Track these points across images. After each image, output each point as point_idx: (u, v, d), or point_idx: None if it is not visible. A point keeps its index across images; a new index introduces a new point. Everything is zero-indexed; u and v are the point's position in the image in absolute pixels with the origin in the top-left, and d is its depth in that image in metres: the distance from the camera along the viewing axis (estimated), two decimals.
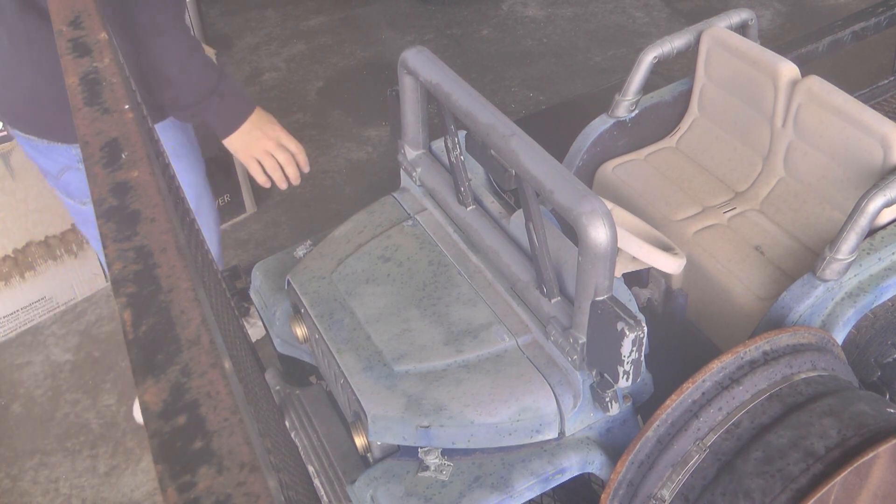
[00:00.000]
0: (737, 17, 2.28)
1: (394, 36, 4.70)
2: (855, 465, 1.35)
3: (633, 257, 1.71)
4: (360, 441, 1.57)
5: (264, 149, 2.00)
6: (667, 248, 1.76)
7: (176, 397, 0.66)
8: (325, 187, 3.69)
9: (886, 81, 3.06)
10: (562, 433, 1.53)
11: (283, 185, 2.04)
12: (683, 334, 2.09)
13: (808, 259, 1.98)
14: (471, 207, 1.75)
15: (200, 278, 1.04)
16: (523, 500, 1.48)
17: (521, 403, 1.50)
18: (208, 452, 0.62)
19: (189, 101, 1.90)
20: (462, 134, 1.64)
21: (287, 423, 1.85)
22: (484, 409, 1.49)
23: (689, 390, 1.50)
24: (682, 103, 2.39)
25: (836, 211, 2.01)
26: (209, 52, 3.14)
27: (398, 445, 1.55)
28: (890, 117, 1.91)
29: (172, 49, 1.85)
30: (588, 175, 2.36)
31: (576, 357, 1.45)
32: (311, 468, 1.73)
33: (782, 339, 1.58)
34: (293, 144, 2.04)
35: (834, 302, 1.75)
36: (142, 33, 1.82)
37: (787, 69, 2.06)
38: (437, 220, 1.83)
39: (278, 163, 2.02)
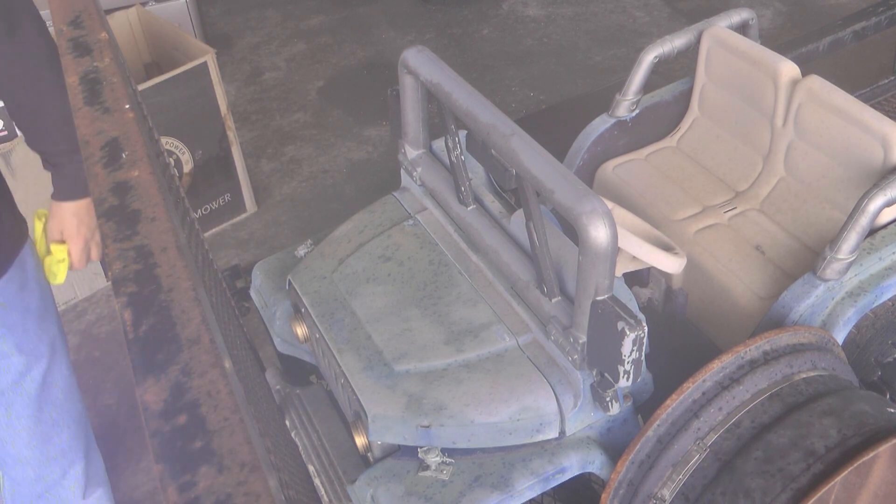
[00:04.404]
0: (737, 16, 2.27)
1: (394, 35, 4.70)
2: (855, 464, 1.35)
3: (634, 257, 1.71)
4: (360, 440, 1.57)
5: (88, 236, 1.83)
6: (667, 248, 1.76)
7: (176, 397, 0.66)
8: (326, 187, 3.69)
9: (887, 81, 3.05)
10: (562, 433, 1.53)
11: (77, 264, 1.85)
12: (684, 334, 2.09)
13: (808, 259, 1.98)
14: (471, 207, 1.75)
15: (201, 278, 1.04)
16: (524, 500, 1.48)
17: (521, 403, 1.49)
18: (209, 452, 0.62)
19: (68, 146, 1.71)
20: (462, 133, 1.64)
21: (287, 423, 1.85)
22: (484, 409, 1.49)
23: (690, 390, 1.50)
24: (682, 103, 2.39)
25: (837, 210, 2.01)
26: (208, 51, 3.14)
27: (398, 445, 1.55)
28: (890, 117, 1.91)
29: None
30: (588, 175, 2.35)
31: (576, 356, 1.45)
32: (311, 468, 1.73)
33: (783, 338, 1.58)
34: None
35: (834, 301, 1.75)
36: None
37: (788, 69, 2.06)
38: (437, 219, 1.83)
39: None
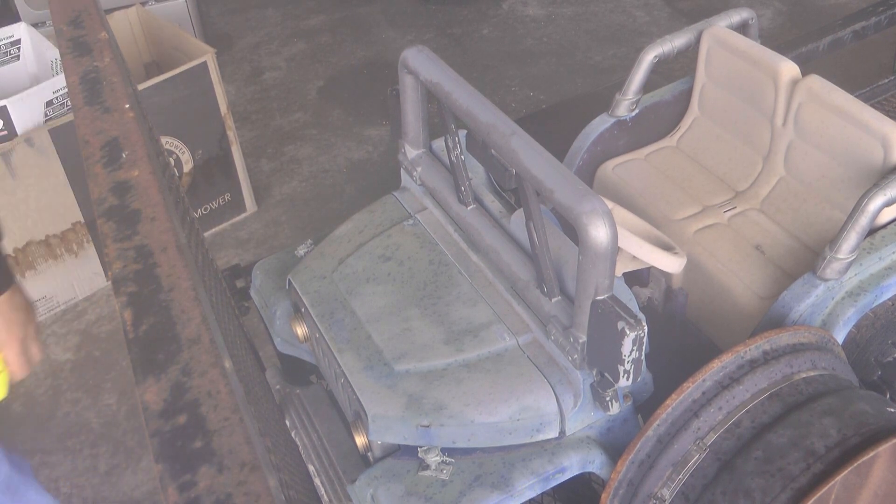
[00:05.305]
0: (737, 16, 2.28)
1: (394, 35, 4.70)
2: (855, 464, 1.35)
3: (634, 256, 1.71)
4: (360, 440, 1.57)
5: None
6: (667, 248, 1.76)
7: (176, 396, 0.66)
8: (326, 186, 3.69)
9: (887, 81, 3.05)
10: (562, 432, 1.53)
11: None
12: (684, 334, 2.09)
13: (808, 258, 1.98)
14: (471, 207, 1.75)
15: (201, 277, 1.04)
16: (524, 500, 1.48)
17: (521, 402, 1.49)
18: (209, 452, 0.62)
19: None
20: (462, 133, 1.64)
21: (287, 423, 1.85)
22: (484, 409, 1.49)
23: (690, 389, 1.50)
24: (682, 102, 2.39)
25: (837, 210, 2.01)
26: (208, 51, 3.14)
27: (398, 445, 1.55)
28: (890, 116, 1.91)
29: None
30: (588, 174, 2.35)
31: (576, 356, 1.45)
32: (311, 467, 1.73)
33: (783, 338, 1.58)
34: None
35: (834, 301, 1.75)
36: None
37: (788, 68, 2.06)
38: (437, 219, 1.83)
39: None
